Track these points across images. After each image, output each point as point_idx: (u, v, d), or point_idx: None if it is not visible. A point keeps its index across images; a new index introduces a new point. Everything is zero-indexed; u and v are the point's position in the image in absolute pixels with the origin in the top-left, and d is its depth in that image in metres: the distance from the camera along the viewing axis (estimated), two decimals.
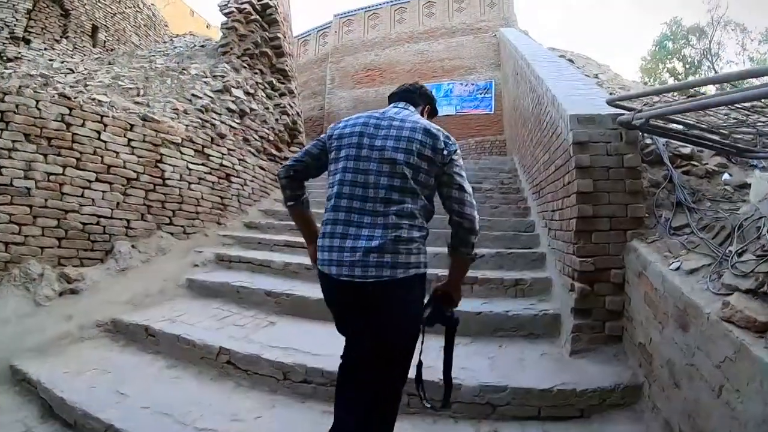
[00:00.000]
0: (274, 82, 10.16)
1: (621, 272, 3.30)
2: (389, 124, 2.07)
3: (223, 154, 7.47)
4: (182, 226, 6.53)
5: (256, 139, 8.82)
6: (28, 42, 11.25)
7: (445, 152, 2.03)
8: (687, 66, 25.73)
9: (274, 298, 4.77)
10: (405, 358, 2.02)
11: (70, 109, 5.32)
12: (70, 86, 7.11)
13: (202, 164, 6.97)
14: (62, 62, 10.36)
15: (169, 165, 6.36)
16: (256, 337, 4.06)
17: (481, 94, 17.24)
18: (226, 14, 9.60)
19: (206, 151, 7.10)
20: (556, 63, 6.37)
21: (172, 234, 6.33)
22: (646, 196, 3.42)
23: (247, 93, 8.90)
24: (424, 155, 1.98)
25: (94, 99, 6.14)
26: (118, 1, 14.01)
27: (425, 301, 2.13)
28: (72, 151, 5.25)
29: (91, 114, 5.52)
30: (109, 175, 5.59)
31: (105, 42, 13.28)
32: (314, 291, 4.67)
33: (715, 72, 22.55)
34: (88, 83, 7.78)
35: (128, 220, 5.79)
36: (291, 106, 10.48)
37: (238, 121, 8.27)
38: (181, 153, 6.59)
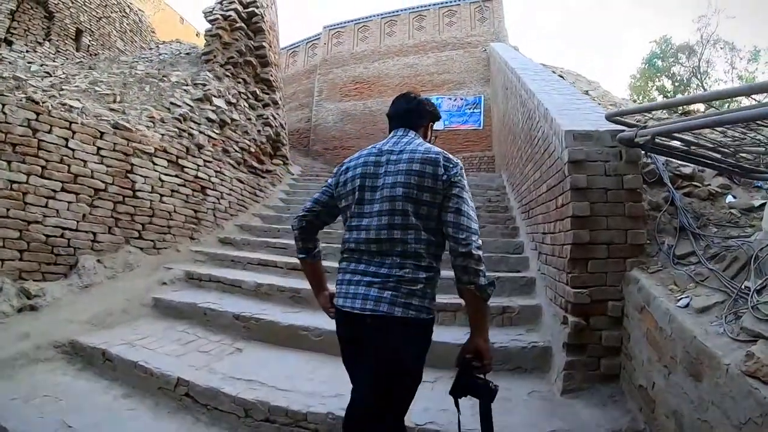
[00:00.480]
0: (258, 92, 9.92)
1: (619, 305, 2.99)
2: (387, 159, 1.97)
3: (198, 165, 7.13)
4: (152, 241, 6.20)
5: (236, 151, 8.51)
6: (10, 43, 11.08)
7: (445, 177, 1.87)
8: (676, 84, 25.76)
9: (242, 322, 4.46)
10: (399, 402, 1.86)
11: (38, 114, 4.99)
12: (44, 90, 6.74)
13: (176, 176, 6.65)
14: (41, 65, 10.11)
15: (141, 176, 6.05)
16: (219, 366, 3.73)
17: (470, 109, 17.02)
18: (210, 21, 9.39)
19: (181, 162, 6.78)
20: (548, 76, 6.11)
21: (141, 249, 6.01)
22: (646, 221, 3.12)
23: (228, 103, 8.63)
24: (424, 186, 1.86)
25: (64, 104, 5.79)
26: (104, 5, 13.76)
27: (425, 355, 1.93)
28: (37, 159, 4.94)
29: (59, 120, 5.19)
30: (76, 185, 5.28)
31: (89, 46, 13.04)
32: (285, 316, 4.43)
33: (704, 90, 22.52)
34: (63, 87, 7.46)
35: (94, 233, 5.47)
36: (274, 118, 10.21)
37: (217, 131, 7.97)
38: (154, 163, 6.29)
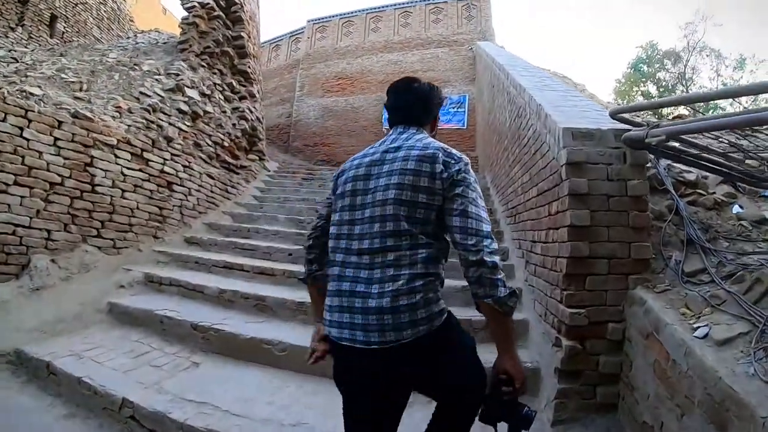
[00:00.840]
0: (234, 84, 9.51)
1: (620, 327, 2.64)
2: (382, 158, 1.72)
3: (165, 159, 6.71)
4: (112, 240, 5.76)
5: (209, 145, 8.10)
6: None
7: (446, 174, 1.61)
8: (661, 90, 25.68)
9: (201, 332, 4.07)
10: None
11: None
12: (5, 76, 6.40)
13: (140, 170, 6.23)
14: (9, 51, 9.75)
15: (101, 169, 5.62)
16: (171, 385, 3.35)
17: (454, 108, 16.68)
18: (187, 9, 8.95)
19: (146, 155, 6.36)
20: (538, 72, 5.76)
21: (99, 248, 5.57)
22: (650, 232, 2.77)
23: (202, 94, 8.24)
24: (420, 186, 1.60)
25: (24, 91, 5.41)
26: None
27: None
28: None
29: (14, 107, 4.76)
30: (30, 178, 4.86)
31: (63, 33, 12.51)
32: (247, 327, 4.07)
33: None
34: (28, 74, 7.15)
35: (49, 231, 5.05)
36: (251, 111, 9.78)
37: (189, 123, 7.57)
38: (116, 156, 5.86)
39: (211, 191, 7.81)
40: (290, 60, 21.33)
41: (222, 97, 8.99)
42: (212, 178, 7.84)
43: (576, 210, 2.61)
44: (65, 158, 5.21)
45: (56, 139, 5.14)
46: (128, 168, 6.01)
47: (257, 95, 10.38)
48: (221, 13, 9.21)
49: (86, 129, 5.47)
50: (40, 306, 4.52)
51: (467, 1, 17.58)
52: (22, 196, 4.78)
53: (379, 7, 19.35)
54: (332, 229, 1.75)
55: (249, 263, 5.43)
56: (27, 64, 8.66)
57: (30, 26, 11.60)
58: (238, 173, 9.03)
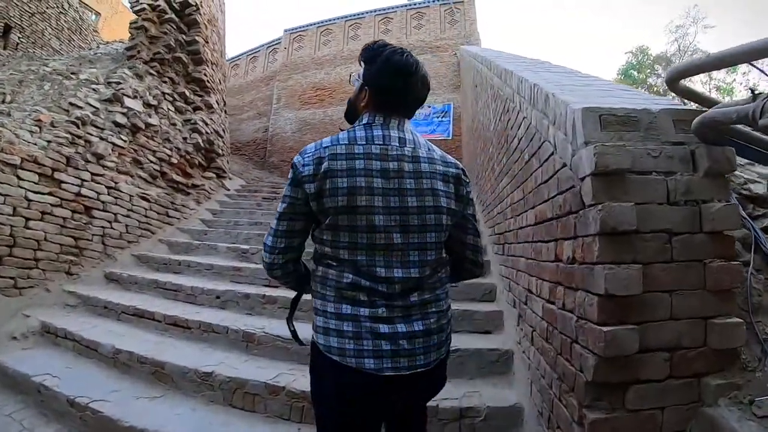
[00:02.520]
0: (188, 93, 8.44)
1: None
2: (400, 167, 1.41)
3: (83, 180, 5.59)
4: (12, 278, 4.75)
5: (151, 162, 7.02)
6: None
7: (464, 192, 1.53)
8: (653, 94, 24.90)
9: (78, 411, 3.05)
10: None
11: None
12: None
13: (50, 193, 5.18)
14: None
15: None
16: None
17: (438, 117, 15.65)
18: (136, 12, 8.08)
19: (57, 175, 5.28)
20: (529, 59, 4.55)
21: None
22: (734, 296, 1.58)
23: (147, 104, 7.19)
24: (450, 209, 1.47)
25: None
26: (39, 1, 12.33)
27: None
28: None
29: None
30: None
31: (18, 44, 11.62)
32: (133, 408, 3.08)
33: (684, 104, 21.60)
34: None
35: None
36: (206, 123, 8.63)
37: (127, 138, 6.58)
38: (19, 178, 4.89)
39: (146, 216, 6.60)
40: (267, 72, 20.36)
41: (172, 108, 7.96)
42: (147, 200, 6.62)
43: (615, 267, 1.41)
44: None
45: None
46: (34, 192, 5.02)
47: (216, 106, 9.23)
48: (174, 16, 8.27)
49: None
50: None
51: (450, 4, 16.59)
52: None
53: (358, 14, 18.39)
54: (342, 253, 1.40)
55: (162, 311, 4.25)
56: None
57: None
58: (188, 193, 7.89)
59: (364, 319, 1.34)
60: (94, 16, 24.34)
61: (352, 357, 1.32)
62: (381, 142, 1.41)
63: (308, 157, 1.39)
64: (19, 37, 11.65)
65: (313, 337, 1.44)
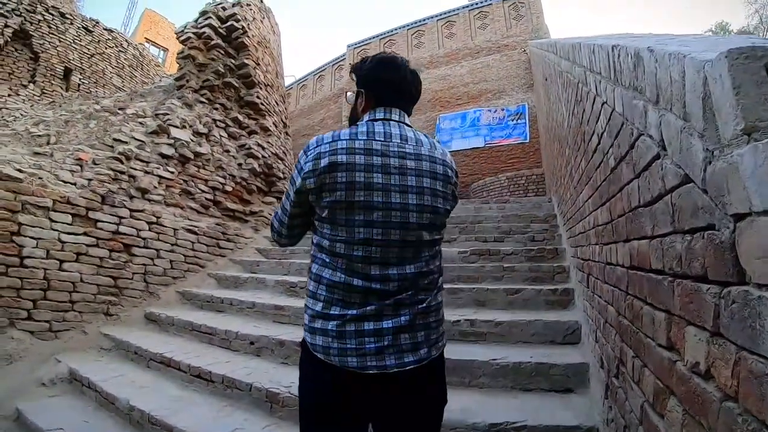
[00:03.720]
0: (241, 118, 8.20)
1: None
2: (402, 164, 1.39)
3: (120, 217, 5.33)
4: (47, 321, 4.59)
5: (203, 191, 6.75)
6: None
7: (456, 192, 1.55)
8: None
9: None
10: None
11: None
12: None
13: (85, 233, 4.98)
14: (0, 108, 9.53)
15: (31, 237, 4.52)
16: None
17: (513, 120, 14.69)
18: (183, 42, 8.00)
19: (92, 215, 5.06)
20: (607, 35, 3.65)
21: (32, 332, 4.46)
22: None
23: (197, 133, 7.02)
24: (447, 210, 1.49)
25: None
26: (97, 42, 12.93)
27: None
28: None
29: None
30: None
31: (80, 85, 12.22)
32: None
33: None
34: None
35: None
36: (262, 147, 8.30)
37: (175, 169, 6.38)
38: (51, 220, 4.73)
39: (192, 249, 6.23)
40: (335, 89, 20.29)
41: (225, 135, 7.74)
42: (194, 233, 6.26)
43: None
44: None
45: None
46: (68, 233, 4.83)
47: (273, 128, 8.91)
48: (220, 42, 8.08)
49: (13, 191, 4.47)
50: None
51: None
52: None
53: (420, 21, 17.82)
54: (339, 247, 1.37)
55: (188, 360, 3.77)
56: (6, 120, 8.28)
57: (42, 82, 11.37)
58: (245, 221, 7.56)
59: (351, 318, 1.33)
60: (161, 53, 25.33)
61: (336, 356, 1.32)
62: (382, 139, 1.40)
63: (310, 152, 1.38)
64: (80, 79, 12.19)
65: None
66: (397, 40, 18.25)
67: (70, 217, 4.85)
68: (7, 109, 9.16)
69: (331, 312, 1.34)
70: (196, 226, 6.33)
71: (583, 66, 2.24)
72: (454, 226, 6.46)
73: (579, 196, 3.04)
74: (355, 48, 19.41)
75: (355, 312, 1.33)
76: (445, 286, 3.94)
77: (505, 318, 3.47)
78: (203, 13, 8.13)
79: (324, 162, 1.34)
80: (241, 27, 8.23)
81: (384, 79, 1.52)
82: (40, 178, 4.87)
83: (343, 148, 1.35)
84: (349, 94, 1.62)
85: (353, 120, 1.59)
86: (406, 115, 1.51)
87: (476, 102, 15.50)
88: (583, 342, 3.06)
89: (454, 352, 3.03)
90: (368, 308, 1.33)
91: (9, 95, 10.43)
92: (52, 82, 11.50)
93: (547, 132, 7.30)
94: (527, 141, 14.28)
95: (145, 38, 26.00)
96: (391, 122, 1.45)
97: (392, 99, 1.50)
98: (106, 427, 3.32)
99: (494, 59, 15.50)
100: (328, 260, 1.38)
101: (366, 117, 1.49)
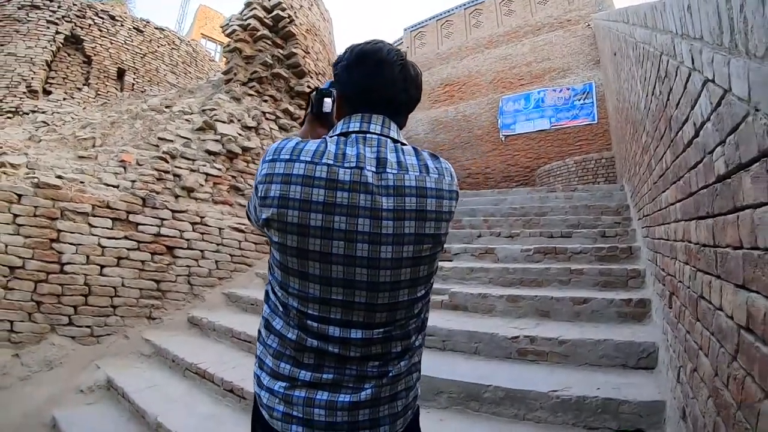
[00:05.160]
0: (292, 109, 7.99)
1: None
2: (371, 204, 1.03)
3: (162, 219, 5.24)
4: (88, 327, 4.58)
5: (252, 186, 6.43)
6: (48, 93, 10.70)
7: (454, 211, 1.16)
8: None
9: None
10: None
11: None
12: (9, 145, 5.69)
13: (125, 237, 4.96)
14: (53, 113, 9.69)
15: (70, 244, 4.53)
16: None
17: (579, 100, 13.78)
18: (228, 35, 7.88)
19: (132, 218, 5.01)
20: None
21: (73, 338, 4.46)
22: None
23: (246, 127, 6.90)
24: (435, 256, 1.13)
25: (2, 164, 4.58)
26: (149, 41, 13.05)
27: None
28: None
29: None
30: None
31: (134, 84, 12.35)
32: None
33: None
34: (42, 138, 6.72)
35: (11, 322, 4.18)
36: None
37: (222, 165, 6.25)
38: (91, 225, 4.72)
39: (240, 248, 6.06)
40: None
41: (275, 127, 7.59)
42: (241, 231, 6.09)
43: None
44: (26, 236, 4.29)
45: (15, 215, 4.28)
46: (108, 237, 4.81)
47: None
48: (267, 32, 7.87)
49: (51, 198, 4.50)
50: None
51: None
52: None
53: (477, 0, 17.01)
54: (291, 300, 1.09)
55: (222, 373, 3.55)
56: (57, 125, 8.26)
57: (96, 84, 11.56)
58: None
59: (301, 384, 1.07)
60: (218, 47, 25.60)
61: (279, 420, 1.07)
62: (353, 164, 1.03)
63: (264, 166, 1.07)
64: (134, 78, 12.32)
65: None
66: (454, 20, 17.55)
67: (110, 221, 4.82)
68: (58, 113, 9.27)
69: (280, 370, 1.10)
70: (243, 224, 6.16)
71: (669, 32, 1.71)
72: (518, 218, 6.02)
73: (661, 194, 2.52)
74: (412, 31, 18.85)
75: (307, 378, 1.07)
76: (505, 292, 3.43)
77: (571, 336, 2.99)
78: (248, 4, 7.90)
79: (273, 193, 1.03)
80: (287, 15, 7.95)
81: (360, 83, 1.18)
82: (81, 182, 4.89)
83: (299, 175, 1.02)
84: (326, 102, 1.26)
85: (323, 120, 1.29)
86: (393, 125, 1.16)
87: (540, 82, 14.66)
88: (660, 369, 2.56)
89: (509, 375, 2.74)
90: (324, 376, 1.07)
91: (64, 99, 10.65)
92: (106, 83, 11.69)
93: (618, 113, 6.60)
94: (595, 122, 13.36)
95: (201, 34, 26.45)
96: (368, 137, 1.11)
97: (373, 102, 1.16)
98: None
99: (557, 36, 14.57)
100: (280, 310, 1.12)
101: (339, 126, 1.16)
